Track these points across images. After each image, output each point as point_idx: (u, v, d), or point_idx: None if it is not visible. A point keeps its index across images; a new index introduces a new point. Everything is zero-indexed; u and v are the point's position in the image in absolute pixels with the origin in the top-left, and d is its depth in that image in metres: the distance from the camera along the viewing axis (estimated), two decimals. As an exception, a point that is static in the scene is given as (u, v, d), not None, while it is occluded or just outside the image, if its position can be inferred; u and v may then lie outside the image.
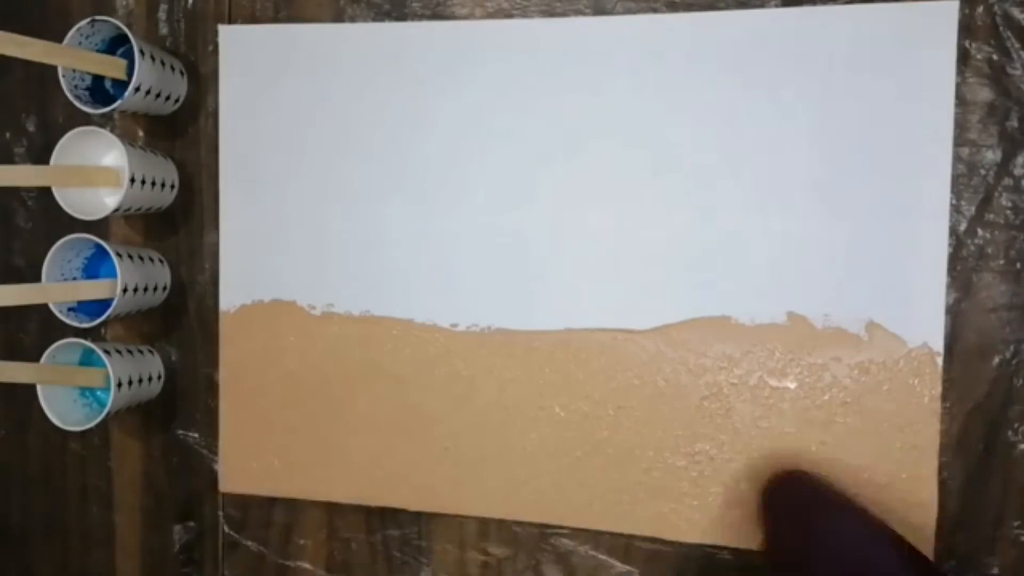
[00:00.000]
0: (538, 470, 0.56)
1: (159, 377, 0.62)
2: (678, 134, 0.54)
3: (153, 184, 0.59)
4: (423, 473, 0.58)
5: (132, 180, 0.57)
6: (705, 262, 0.54)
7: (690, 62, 0.53)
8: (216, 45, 0.61)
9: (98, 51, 0.58)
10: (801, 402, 0.53)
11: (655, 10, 0.54)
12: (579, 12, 0.55)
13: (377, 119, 0.58)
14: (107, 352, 0.58)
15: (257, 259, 0.60)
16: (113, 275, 0.57)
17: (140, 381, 0.60)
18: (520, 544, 0.58)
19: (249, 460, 0.61)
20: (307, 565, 0.61)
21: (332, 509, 0.61)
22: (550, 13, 0.56)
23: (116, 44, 0.59)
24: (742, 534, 0.54)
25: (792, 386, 0.53)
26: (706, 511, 0.54)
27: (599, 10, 0.55)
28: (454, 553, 0.59)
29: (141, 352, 0.61)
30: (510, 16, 0.56)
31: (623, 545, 0.56)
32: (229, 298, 0.61)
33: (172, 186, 0.61)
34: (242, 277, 0.61)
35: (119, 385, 0.58)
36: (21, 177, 0.54)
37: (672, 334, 0.54)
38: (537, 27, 0.56)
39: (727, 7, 0.53)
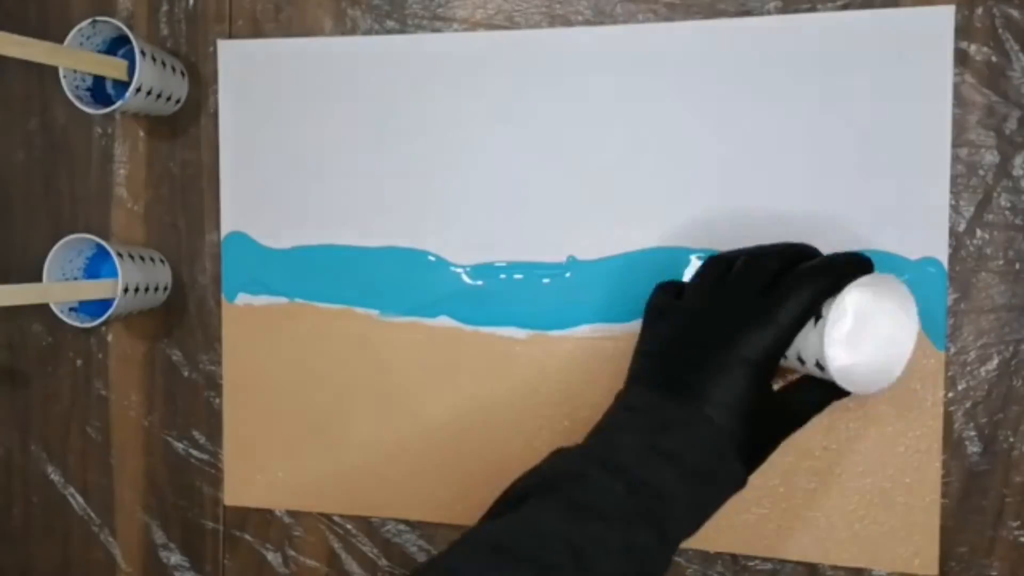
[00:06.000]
0: (541, 477, 0.56)
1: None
2: (678, 140, 0.54)
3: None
4: (426, 483, 0.58)
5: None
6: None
7: (690, 69, 0.54)
8: (216, 46, 0.61)
9: (99, 52, 0.58)
10: (803, 407, 0.53)
11: (655, 11, 0.54)
12: (579, 13, 0.56)
13: (376, 125, 0.58)
14: None
15: (258, 259, 0.61)
16: (114, 275, 0.57)
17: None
18: (520, 544, 0.58)
19: (254, 474, 0.61)
20: (310, 562, 0.61)
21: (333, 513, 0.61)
22: (550, 14, 0.56)
23: (117, 45, 0.59)
24: (746, 541, 0.53)
25: (794, 391, 0.53)
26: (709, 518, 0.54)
27: (599, 11, 0.55)
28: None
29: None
30: (510, 17, 0.57)
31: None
32: (230, 299, 0.61)
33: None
34: (243, 278, 0.61)
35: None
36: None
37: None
38: (537, 37, 0.56)
39: (727, 9, 0.54)
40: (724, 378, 0.42)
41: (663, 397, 0.43)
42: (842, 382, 0.43)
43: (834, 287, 0.43)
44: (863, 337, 0.44)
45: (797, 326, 0.43)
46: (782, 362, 0.45)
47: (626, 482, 0.41)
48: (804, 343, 0.44)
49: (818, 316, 0.43)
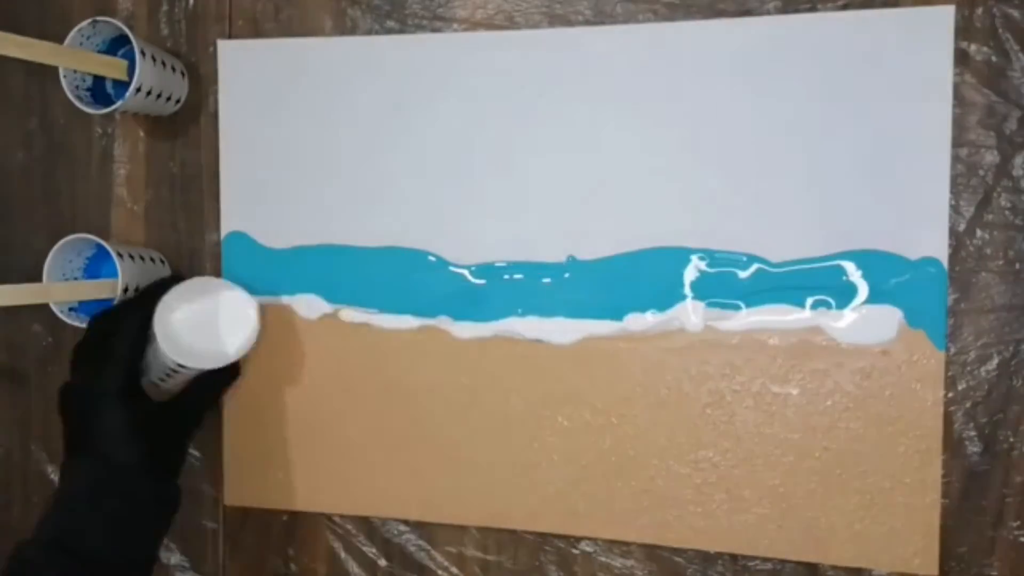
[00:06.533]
0: (541, 480, 0.56)
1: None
2: (677, 140, 0.54)
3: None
4: (425, 483, 0.58)
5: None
6: (702, 267, 0.54)
7: (690, 69, 0.54)
8: (216, 46, 0.61)
9: (99, 52, 0.58)
10: (804, 408, 0.53)
11: (655, 11, 0.54)
12: (579, 13, 0.56)
13: (376, 125, 0.58)
14: None
15: (258, 259, 0.60)
16: (114, 275, 0.57)
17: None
18: (522, 554, 0.58)
19: (254, 474, 0.61)
20: (310, 563, 0.61)
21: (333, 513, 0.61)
22: (550, 14, 0.56)
23: (117, 45, 0.59)
24: (746, 541, 0.54)
25: (794, 392, 0.53)
26: (710, 518, 0.54)
27: (599, 11, 0.55)
28: (456, 562, 0.59)
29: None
30: (510, 17, 0.57)
31: (627, 553, 0.56)
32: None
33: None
34: (243, 278, 0.61)
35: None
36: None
37: (673, 341, 0.54)
38: (537, 37, 0.56)
39: (727, 9, 0.54)
40: (103, 418, 0.51)
41: (72, 457, 0.52)
42: (206, 370, 0.54)
43: (152, 311, 0.53)
44: (193, 330, 0.54)
45: (136, 350, 0.53)
46: (165, 383, 0.55)
47: (44, 546, 0.49)
48: (160, 360, 0.53)
49: (154, 337, 0.53)
